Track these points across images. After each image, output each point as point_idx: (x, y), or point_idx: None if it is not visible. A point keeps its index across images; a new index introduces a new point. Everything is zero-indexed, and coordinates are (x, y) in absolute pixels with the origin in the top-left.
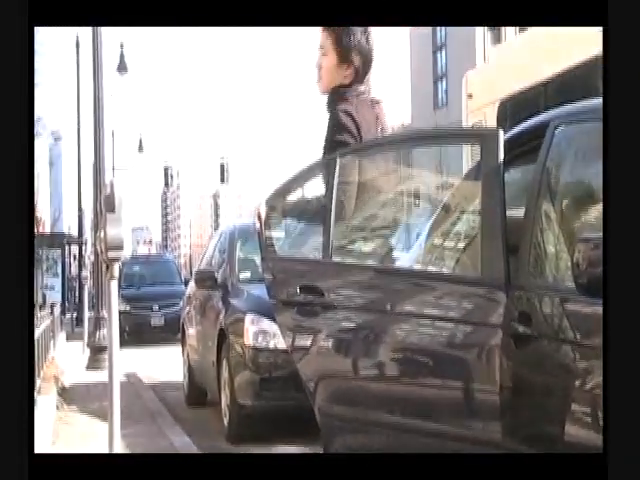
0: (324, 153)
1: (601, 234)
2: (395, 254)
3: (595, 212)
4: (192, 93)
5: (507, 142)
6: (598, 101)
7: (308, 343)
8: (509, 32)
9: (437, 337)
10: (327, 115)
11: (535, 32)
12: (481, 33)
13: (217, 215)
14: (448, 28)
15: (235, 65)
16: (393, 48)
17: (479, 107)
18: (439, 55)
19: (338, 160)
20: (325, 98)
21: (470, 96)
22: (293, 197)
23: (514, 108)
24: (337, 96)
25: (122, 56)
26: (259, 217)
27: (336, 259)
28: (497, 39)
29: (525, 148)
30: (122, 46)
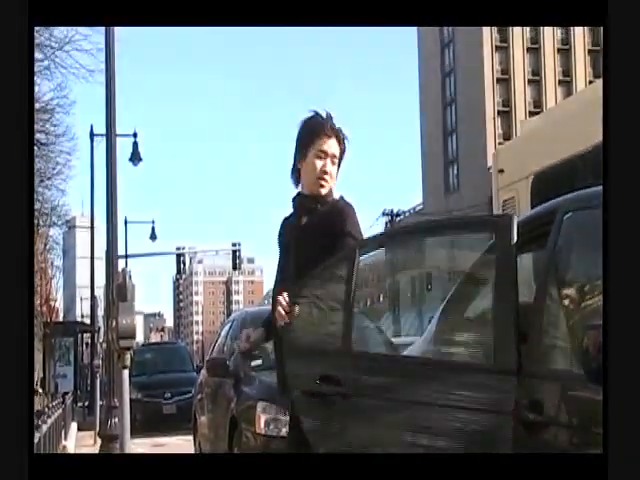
0: (336, 245)
1: None
2: (409, 339)
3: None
4: (206, 179)
5: (518, 227)
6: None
7: (326, 431)
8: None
9: (450, 425)
10: (326, 212)
11: (571, 103)
12: (491, 115)
13: (229, 302)
14: (460, 114)
15: (247, 150)
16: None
17: (511, 183)
18: (450, 138)
19: (357, 251)
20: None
21: (501, 171)
22: (313, 287)
23: (548, 183)
24: (334, 198)
25: (135, 145)
26: (278, 305)
27: (356, 349)
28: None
29: (535, 234)
30: (136, 135)
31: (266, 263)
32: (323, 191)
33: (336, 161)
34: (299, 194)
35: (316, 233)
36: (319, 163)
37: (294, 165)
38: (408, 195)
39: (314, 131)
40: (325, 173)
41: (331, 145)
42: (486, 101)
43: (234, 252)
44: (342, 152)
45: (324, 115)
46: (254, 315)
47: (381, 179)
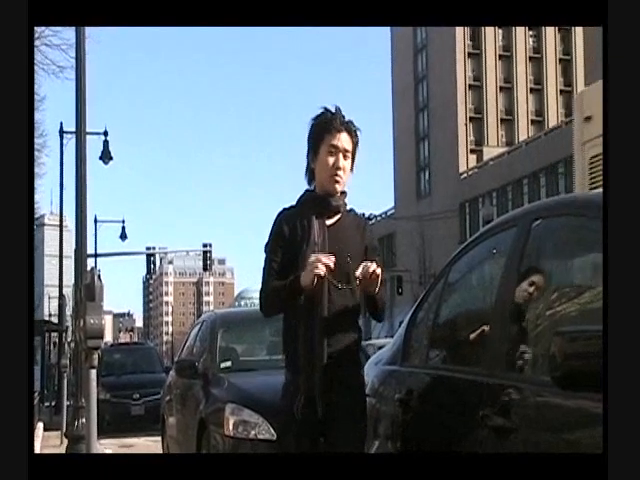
0: (362, 256)
1: (577, 327)
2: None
3: (573, 306)
4: (178, 180)
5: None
6: (573, 196)
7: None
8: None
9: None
10: (354, 221)
11: None
12: (463, 121)
13: (200, 303)
14: (432, 120)
15: (218, 150)
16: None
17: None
18: (422, 144)
19: (451, 268)
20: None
21: (588, 119)
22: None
23: None
24: (353, 211)
25: (106, 144)
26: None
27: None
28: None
29: (499, 240)
30: (106, 134)
31: (238, 264)
32: (338, 187)
33: (349, 155)
34: (310, 191)
35: (346, 238)
36: (331, 159)
37: (307, 165)
38: (379, 199)
39: (324, 127)
40: (339, 169)
41: (342, 139)
42: (458, 107)
43: (205, 253)
44: (354, 145)
45: (333, 110)
46: (224, 316)
47: (353, 182)
